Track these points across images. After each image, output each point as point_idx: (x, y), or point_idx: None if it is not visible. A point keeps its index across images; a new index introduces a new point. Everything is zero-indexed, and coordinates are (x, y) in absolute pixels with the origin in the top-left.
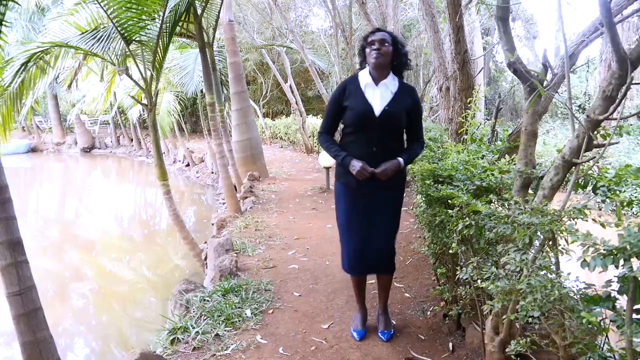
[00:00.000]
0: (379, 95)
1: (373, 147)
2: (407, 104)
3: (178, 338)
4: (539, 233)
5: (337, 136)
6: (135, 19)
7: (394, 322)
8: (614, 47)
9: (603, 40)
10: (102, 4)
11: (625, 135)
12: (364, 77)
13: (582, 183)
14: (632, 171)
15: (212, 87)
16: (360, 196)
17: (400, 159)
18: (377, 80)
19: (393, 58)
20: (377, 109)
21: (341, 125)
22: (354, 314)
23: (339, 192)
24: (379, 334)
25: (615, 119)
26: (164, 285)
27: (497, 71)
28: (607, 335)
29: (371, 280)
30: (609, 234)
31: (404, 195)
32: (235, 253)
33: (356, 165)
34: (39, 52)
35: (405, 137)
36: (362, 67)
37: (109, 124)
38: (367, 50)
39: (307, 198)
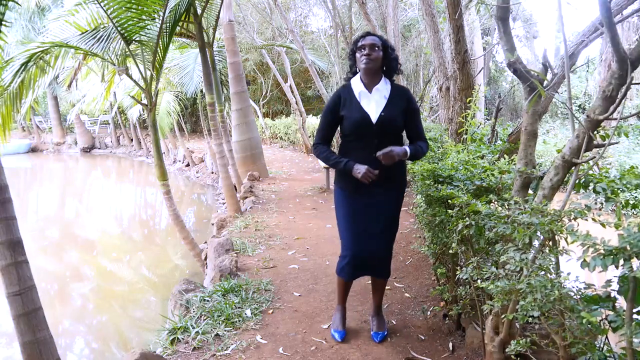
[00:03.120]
0: (374, 102)
1: (373, 153)
2: (402, 106)
3: (178, 338)
4: (538, 233)
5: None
6: (135, 19)
7: (394, 322)
8: (614, 47)
9: (603, 40)
10: (102, 4)
11: (626, 136)
12: (357, 85)
13: (582, 183)
14: (636, 173)
15: (212, 87)
16: (359, 200)
17: (407, 148)
18: (369, 86)
19: (383, 62)
20: (374, 116)
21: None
22: (334, 314)
23: (338, 197)
24: (372, 335)
25: (615, 119)
26: (164, 285)
27: (497, 71)
28: (607, 336)
29: (368, 281)
30: (609, 234)
31: (404, 198)
32: (235, 253)
33: (361, 168)
34: (39, 52)
35: (405, 139)
36: (352, 71)
37: (109, 124)
38: (358, 55)
39: (307, 198)
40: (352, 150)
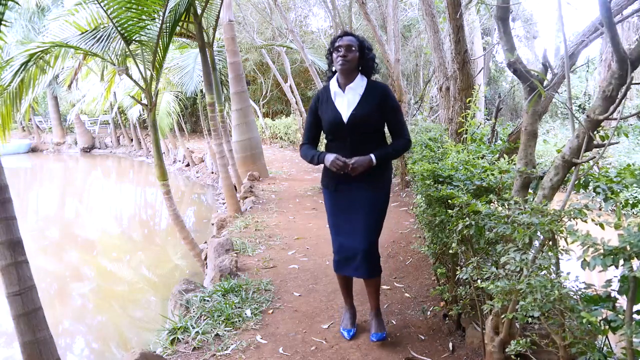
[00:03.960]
0: (346, 101)
1: (349, 151)
2: (375, 102)
3: (178, 338)
4: (538, 233)
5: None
6: (135, 19)
7: (394, 322)
8: (614, 47)
9: (603, 40)
10: (102, 4)
11: (626, 136)
12: (333, 85)
13: (582, 183)
14: (632, 171)
15: (212, 87)
16: (341, 198)
17: (372, 155)
18: (343, 85)
19: (359, 62)
20: (345, 115)
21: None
22: (344, 313)
23: (324, 195)
24: (371, 336)
25: (615, 119)
26: (164, 285)
27: (497, 71)
28: (607, 336)
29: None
30: (609, 234)
31: (388, 195)
32: (235, 253)
33: (329, 157)
34: (39, 52)
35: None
36: (330, 70)
37: (109, 124)
38: (334, 55)
39: (307, 198)
40: (332, 150)
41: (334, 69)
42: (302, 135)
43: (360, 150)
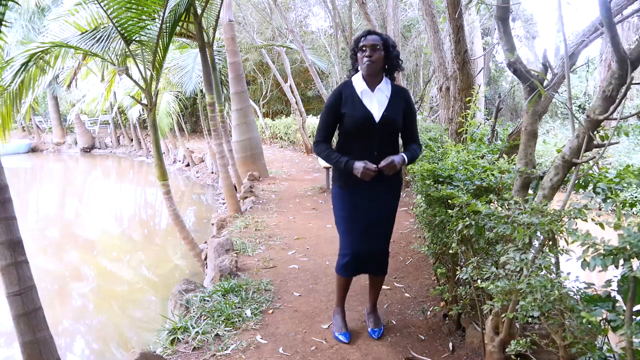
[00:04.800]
0: (376, 101)
1: (374, 151)
2: (402, 106)
3: (178, 338)
4: (538, 233)
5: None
6: (135, 19)
7: (394, 322)
8: (614, 47)
9: (603, 40)
10: (102, 4)
11: (626, 135)
12: (359, 83)
13: (582, 183)
14: (633, 171)
15: (212, 87)
16: (360, 197)
17: (404, 155)
18: (372, 85)
19: (384, 62)
20: (377, 115)
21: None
22: (335, 317)
23: (338, 197)
24: (370, 332)
25: (615, 119)
26: (164, 285)
27: (497, 71)
28: (607, 336)
29: (366, 281)
30: (609, 234)
31: (401, 197)
32: (235, 253)
33: (359, 166)
34: (39, 52)
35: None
36: (354, 68)
37: (109, 124)
38: (359, 55)
39: (307, 198)
40: (352, 149)
41: (358, 68)
42: (316, 132)
43: (385, 151)
